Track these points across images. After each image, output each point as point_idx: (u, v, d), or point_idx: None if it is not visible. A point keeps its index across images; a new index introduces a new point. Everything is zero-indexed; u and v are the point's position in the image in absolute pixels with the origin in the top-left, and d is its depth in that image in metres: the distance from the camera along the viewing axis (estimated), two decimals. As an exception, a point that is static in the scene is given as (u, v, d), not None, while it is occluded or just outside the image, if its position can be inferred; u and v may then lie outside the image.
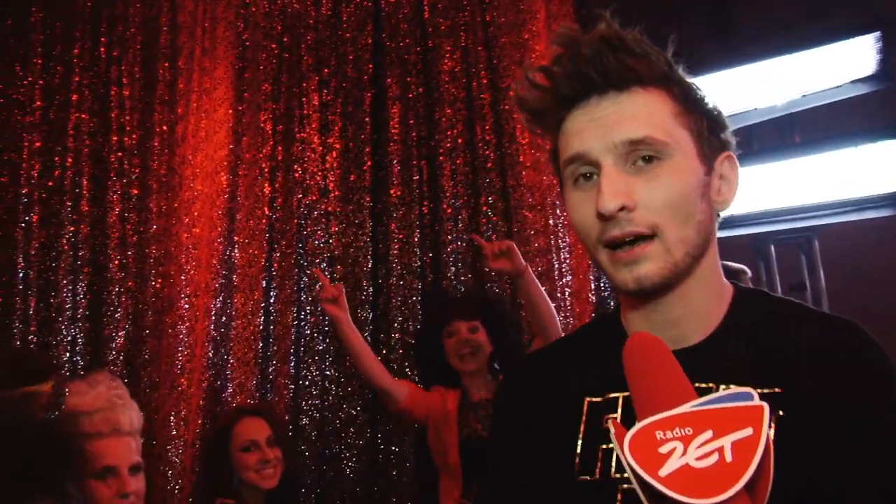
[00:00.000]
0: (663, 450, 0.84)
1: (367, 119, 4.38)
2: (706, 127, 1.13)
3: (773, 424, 1.00)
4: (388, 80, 4.43)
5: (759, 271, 4.86)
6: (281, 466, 2.78)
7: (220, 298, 4.01)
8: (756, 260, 4.86)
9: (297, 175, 4.27)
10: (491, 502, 1.25)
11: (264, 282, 4.15)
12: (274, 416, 3.00)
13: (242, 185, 4.17)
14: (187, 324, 3.95)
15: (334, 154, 4.34)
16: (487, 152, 4.44)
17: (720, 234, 1.15)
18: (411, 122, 4.43)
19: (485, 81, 4.47)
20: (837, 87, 4.55)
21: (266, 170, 4.22)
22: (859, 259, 5.15)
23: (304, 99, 4.36)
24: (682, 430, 0.85)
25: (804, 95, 4.57)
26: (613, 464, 1.09)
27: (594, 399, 1.14)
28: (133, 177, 4.16)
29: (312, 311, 4.25)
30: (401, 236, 4.36)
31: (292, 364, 4.14)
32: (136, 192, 4.14)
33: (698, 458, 0.83)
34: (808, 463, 0.99)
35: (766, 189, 4.57)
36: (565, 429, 1.15)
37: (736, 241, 4.82)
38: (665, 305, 1.12)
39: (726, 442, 0.83)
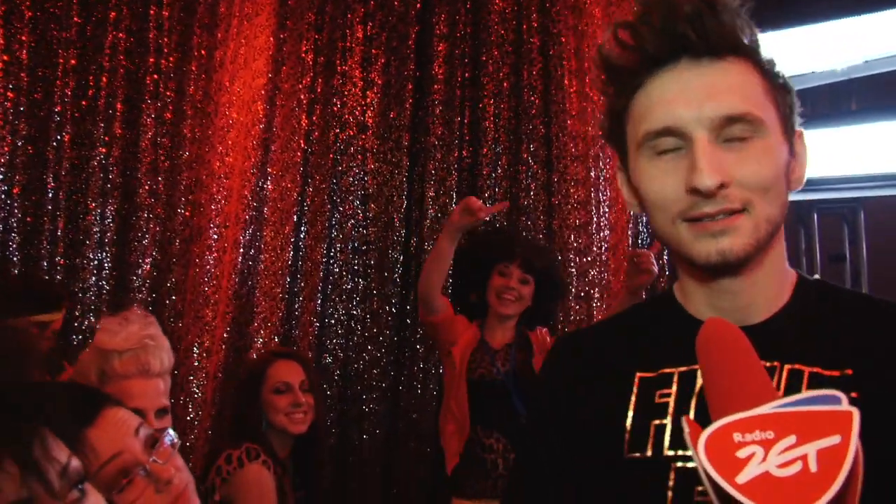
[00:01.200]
0: (741, 454, 0.75)
1: (411, 56, 4.24)
2: (788, 104, 1.06)
3: None
4: (436, 17, 4.28)
5: (800, 239, 4.73)
6: (312, 414, 2.69)
7: (250, 231, 3.93)
8: (797, 227, 4.73)
9: (335, 109, 4.16)
10: (528, 479, 1.15)
11: (296, 216, 4.07)
12: (309, 363, 2.90)
13: (279, 116, 4.06)
14: (215, 254, 3.88)
15: (375, 90, 4.23)
16: (533, 98, 4.30)
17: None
18: (457, 62, 4.28)
19: (535, 24, 4.31)
20: (903, 54, 4.36)
21: (304, 102, 4.11)
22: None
23: (347, 31, 4.23)
24: (763, 434, 0.76)
25: (867, 61, 4.38)
26: (667, 440, 1.02)
27: (646, 374, 1.08)
28: (168, 101, 4.04)
29: (342, 248, 4.18)
30: (438, 178, 4.25)
31: (319, 301, 4.08)
32: (170, 116, 4.03)
33: (780, 466, 0.73)
34: (888, 445, 0.91)
35: (815, 155, 4.40)
36: (614, 404, 1.08)
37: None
38: (734, 286, 1.05)
39: (811, 449, 0.74)
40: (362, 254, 4.19)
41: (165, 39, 4.08)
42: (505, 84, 4.31)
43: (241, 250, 3.90)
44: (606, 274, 4.29)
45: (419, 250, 4.22)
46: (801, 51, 4.44)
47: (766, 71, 1.03)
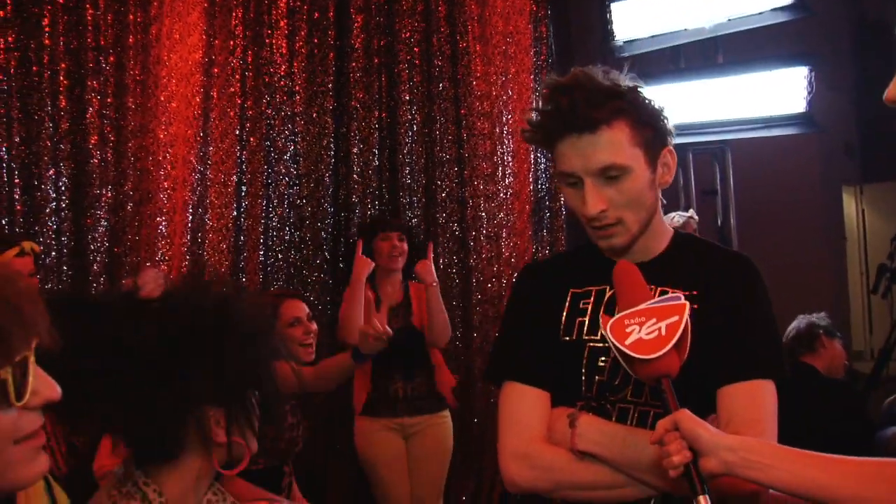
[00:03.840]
0: (628, 330, 1.39)
1: (331, 27, 4.69)
2: (652, 136, 1.59)
3: (691, 314, 1.54)
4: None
5: (678, 177, 5.44)
6: (315, 342, 3.25)
7: (197, 192, 4.36)
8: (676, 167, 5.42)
9: (266, 78, 4.58)
10: (505, 354, 1.80)
11: (236, 177, 4.51)
12: (305, 299, 3.48)
13: (216, 87, 4.45)
14: (166, 216, 4.30)
15: (300, 59, 4.67)
16: (442, 62, 4.83)
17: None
18: (373, 31, 4.76)
19: (441, -9, 4.82)
20: (760, 13, 5.05)
21: (237, 72, 4.52)
22: (766, 170, 5.75)
23: (272, 5, 4.63)
24: (639, 319, 1.40)
25: (730, 19, 5.07)
26: (585, 329, 1.66)
27: (576, 290, 1.72)
28: (109, 75, 4.36)
29: (279, 203, 4.65)
30: (361, 137, 4.76)
31: (262, 252, 4.56)
32: (112, 89, 4.36)
33: (647, 334, 1.37)
34: (712, 337, 1.53)
35: (688, 103, 5.11)
36: (555, 308, 1.72)
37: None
38: (629, 248, 1.67)
39: (663, 324, 1.38)
40: (297, 208, 4.68)
41: (101, 15, 4.37)
42: (416, 50, 4.82)
43: (190, 210, 4.33)
44: (512, 216, 4.91)
45: (347, 202, 4.74)
46: (675, 11, 5.09)
47: (635, 123, 1.55)
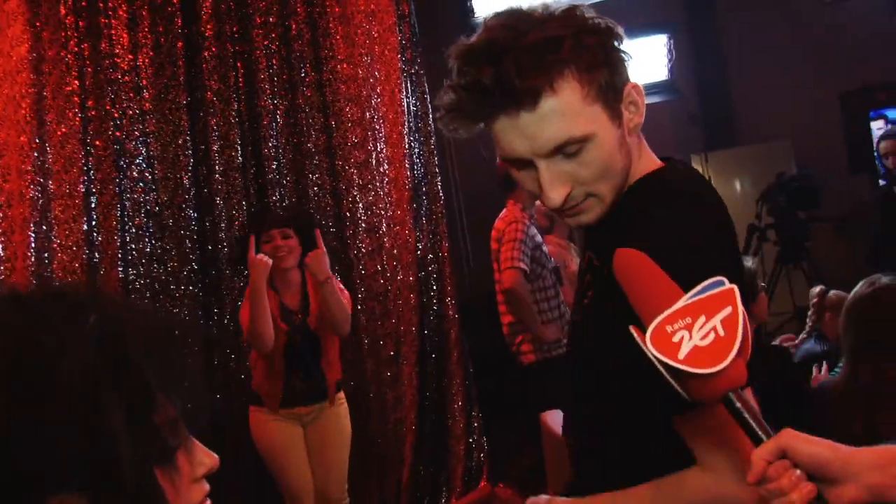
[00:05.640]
0: (676, 339, 1.06)
1: (177, 13, 4.23)
2: (608, 78, 1.20)
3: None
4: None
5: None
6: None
7: (39, 206, 3.81)
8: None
9: (108, 73, 4.07)
10: None
11: (83, 186, 3.98)
12: None
13: (49, 85, 3.90)
14: (3, 237, 3.73)
15: (145, 50, 4.18)
16: (302, 46, 4.48)
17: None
18: (224, 16, 4.34)
19: (295, -30, 4.45)
20: (618, -18, 5.01)
21: (74, 68, 3.98)
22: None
23: (107, -10, 4.12)
24: (685, 321, 1.08)
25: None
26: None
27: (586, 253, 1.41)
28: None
29: (135, 212, 4.15)
30: (220, 133, 4.33)
31: (121, 268, 4.06)
32: (-82, 95, 3.74)
33: (702, 339, 1.06)
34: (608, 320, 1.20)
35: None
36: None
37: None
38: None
39: (716, 321, 1.07)
40: (156, 216, 4.20)
41: None
42: (273, 34, 4.44)
43: (32, 228, 3.78)
44: (390, 206, 4.63)
45: (211, 205, 4.30)
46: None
47: (584, 71, 1.17)
